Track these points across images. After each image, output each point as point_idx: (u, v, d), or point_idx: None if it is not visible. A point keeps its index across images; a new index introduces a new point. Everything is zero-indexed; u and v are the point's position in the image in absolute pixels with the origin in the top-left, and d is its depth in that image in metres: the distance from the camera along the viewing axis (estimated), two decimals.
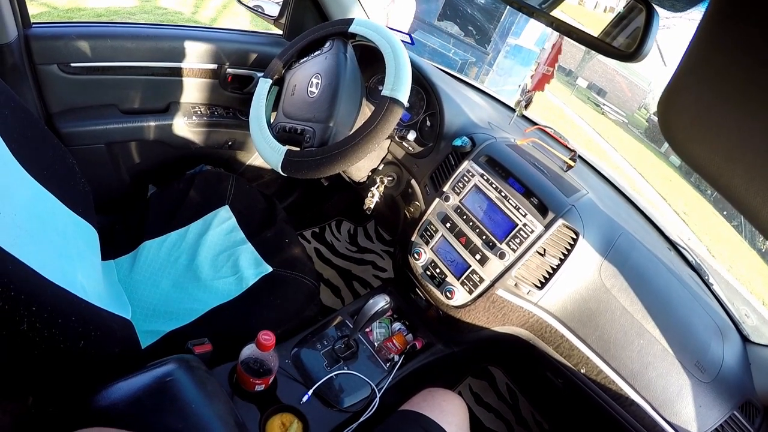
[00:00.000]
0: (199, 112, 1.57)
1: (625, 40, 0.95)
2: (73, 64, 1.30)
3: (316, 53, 1.24)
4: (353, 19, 1.22)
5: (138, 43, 1.39)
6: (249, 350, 0.94)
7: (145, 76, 1.44)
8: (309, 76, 1.20)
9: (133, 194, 1.62)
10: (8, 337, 0.65)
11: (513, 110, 1.65)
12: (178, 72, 1.49)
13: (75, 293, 0.77)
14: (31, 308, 0.66)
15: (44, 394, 0.78)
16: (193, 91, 1.55)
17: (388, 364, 1.16)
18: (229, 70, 1.55)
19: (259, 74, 1.51)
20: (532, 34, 7.20)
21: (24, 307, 0.65)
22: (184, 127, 1.55)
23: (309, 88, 1.18)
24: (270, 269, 1.24)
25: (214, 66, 1.53)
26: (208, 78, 1.55)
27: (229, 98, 1.62)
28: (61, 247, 0.82)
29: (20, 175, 0.78)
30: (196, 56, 1.48)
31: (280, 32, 1.68)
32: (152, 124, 1.49)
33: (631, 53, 0.89)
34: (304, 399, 1.03)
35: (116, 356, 0.85)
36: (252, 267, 1.23)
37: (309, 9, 1.61)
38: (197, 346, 0.95)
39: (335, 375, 1.09)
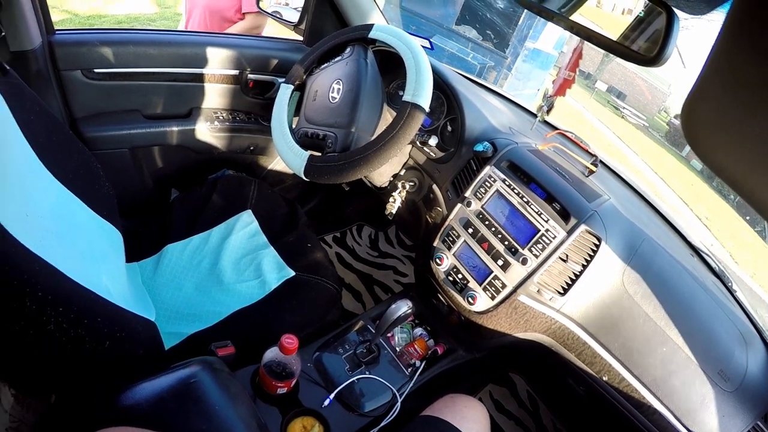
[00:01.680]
0: (220, 118, 1.59)
1: (645, 44, 0.94)
2: (96, 70, 1.32)
3: (336, 59, 1.25)
4: (373, 24, 1.23)
5: (160, 50, 1.41)
6: (272, 353, 0.94)
7: (168, 81, 1.47)
8: (330, 82, 1.21)
9: (157, 198, 1.64)
10: (35, 337, 0.66)
11: (533, 115, 1.64)
12: (200, 78, 1.51)
13: (100, 294, 0.78)
14: (58, 309, 0.67)
15: (68, 393, 0.80)
16: (215, 96, 1.57)
17: (409, 369, 1.16)
18: (251, 76, 1.57)
19: (280, 80, 1.52)
20: (551, 38, 7.15)
21: (51, 307, 0.66)
22: (206, 132, 1.56)
23: (330, 94, 1.19)
24: (292, 273, 1.24)
25: (235, 72, 1.54)
26: (230, 84, 1.57)
27: (251, 103, 1.64)
28: (86, 249, 0.84)
29: (46, 178, 0.79)
30: (217, 62, 1.50)
31: (300, 38, 1.69)
32: (175, 129, 1.52)
33: (652, 58, 0.88)
34: (326, 403, 1.03)
35: (140, 357, 0.87)
36: (274, 271, 1.24)
37: (328, 15, 1.62)
38: (220, 349, 0.97)
39: (357, 379, 1.09)
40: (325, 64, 1.27)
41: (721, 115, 0.32)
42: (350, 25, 1.59)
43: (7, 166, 0.66)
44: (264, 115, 1.67)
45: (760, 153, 0.30)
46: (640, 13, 0.96)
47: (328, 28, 1.63)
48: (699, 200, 11.34)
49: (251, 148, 1.68)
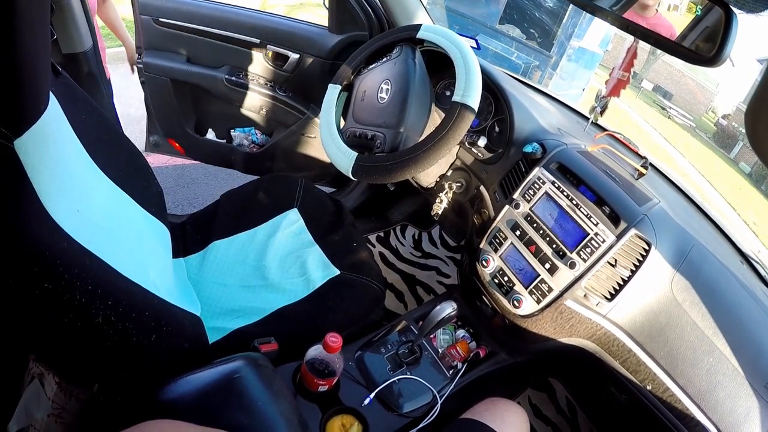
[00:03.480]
0: (242, 75, 1.92)
1: (701, 43, 0.92)
2: (161, 19, 1.79)
3: (384, 59, 1.25)
4: (420, 24, 1.22)
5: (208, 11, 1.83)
6: (315, 351, 0.95)
7: (209, 39, 1.85)
8: (378, 82, 1.21)
9: (196, 135, 2.08)
10: (83, 329, 0.68)
11: (581, 115, 1.61)
12: (228, 40, 1.84)
13: (148, 289, 0.80)
14: (107, 302, 0.69)
15: (110, 383, 0.81)
16: (242, 58, 1.89)
17: (450, 371, 1.15)
18: (270, 47, 1.84)
19: (295, 55, 1.84)
20: (596, 36, 6.95)
21: (100, 300, 0.68)
22: (228, 83, 1.90)
23: (379, 94, 1.19)
24: (337, 272, 1.25)
25: (257, 41, 1.83)
26: (254, 50, 1.87)
27: (269, 71, 1.92)
28: (135, 245, 0.87)
29: (97, 175, 0.82)
30: (246, 31, 1.82)
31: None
32: (207, 73, 1.89)
33: (711, 57, 0.86)
34: (366, 402, 1.04)
35: (185, 351, 0.89)
36: (319, 269, 1.24)
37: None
38: (263, 345, 0.98)
39: (397, 379, 1.09)
40: (373, 65, 1.28)
41: None
42: (396, 25, 1.59)
43: (60, 164, 0.68)
44: (280, 85, 1.96)
45: None
46: (697, 11, 0.93)
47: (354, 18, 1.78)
48: (747, 205, 10.90)
49: (263, 110, 1.99)
